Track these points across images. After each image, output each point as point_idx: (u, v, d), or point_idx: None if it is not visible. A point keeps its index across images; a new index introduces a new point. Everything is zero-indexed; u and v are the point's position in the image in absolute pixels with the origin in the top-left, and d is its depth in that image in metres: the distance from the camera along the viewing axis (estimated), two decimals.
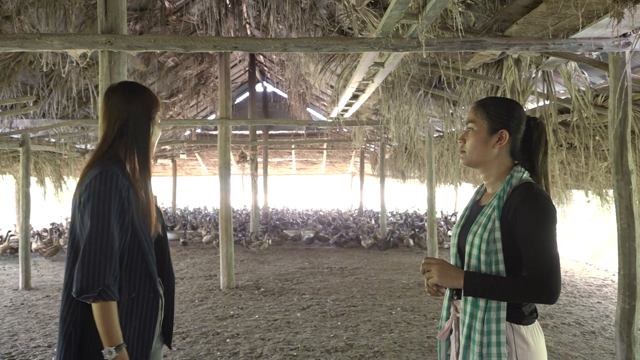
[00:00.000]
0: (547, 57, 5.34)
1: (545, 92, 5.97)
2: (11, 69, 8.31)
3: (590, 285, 10.87)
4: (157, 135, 2.60)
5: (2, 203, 28.16)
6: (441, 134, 12.59)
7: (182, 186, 28.38)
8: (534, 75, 5.74)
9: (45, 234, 16.40)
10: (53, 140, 12.24)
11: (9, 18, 6.52)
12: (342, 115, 10.64)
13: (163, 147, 19.69)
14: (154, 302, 2.42)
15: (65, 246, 14.46)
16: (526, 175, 2.40)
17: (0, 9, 6.39)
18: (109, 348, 2.24)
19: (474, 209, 2.58)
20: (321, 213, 25.46)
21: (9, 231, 15.92)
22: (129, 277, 2.36)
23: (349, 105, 9.57)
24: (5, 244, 14.82)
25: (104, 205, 2.26)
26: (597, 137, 6.72)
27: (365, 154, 23.53)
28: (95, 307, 2.24)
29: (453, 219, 20.03)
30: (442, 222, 19.13)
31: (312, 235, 17.30)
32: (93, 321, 2.29)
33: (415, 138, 11.18)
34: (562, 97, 6.78)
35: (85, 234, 2.25)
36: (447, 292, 2.58)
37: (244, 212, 25.83)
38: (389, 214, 23.04)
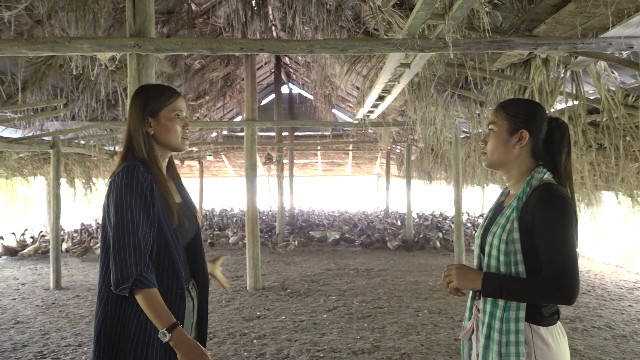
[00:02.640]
0: (576, 57, 5.27)
1: (574, 92, 5.90)
2: (42, 72, 8.46)
3: (621, 288, 10.70)
4: (171, 130, 2.58)
5: (33, 204, 28.65)
6: (468, 134, 12.50)
7: (209, 187, 28.51)
8: (562, 76, 5.68)
9: (75, 234, 16.63)
10: (82, 142, 12.40)
11: (40, 22, 6.64)
12: (368, 116, 10.62)
13: (190, 149, 19.85)
14: (182, 297, 2.44)
15: (95, 247, 14.65)
16: (547, 175, 2.38)
17: (32, 13, 6.50)
18: (162, 330, 2.29)
19: (497, 210, 2.58)
20: (347, 214, 25.44)
21: (40, 232, 16.21)
22: (156, 271, 2.40)
23: (375, 106, 9.55)
24: (37, 244, 15.07)
25: (126, 197, 2.32)
26: (627, 138, 6.62)
27: (391, 155, 23.45)
28: (138, 298, 2.31)
29: (480, 220, 19.88)
30: (468, 224, 19.00)
31: (338, 236, 17.28)
32: (125, 316, 2.34)
33: (442, 139, 11.11)
34: (592, 97, 6.69)
35: (112, 228, 2.32)
36: (470, 293, 2.59)
37: (270, 213, 25.92)
38: (415, 216, 22.94)
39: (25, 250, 14.79)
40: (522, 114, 2.45)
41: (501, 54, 5.82)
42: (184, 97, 2.68)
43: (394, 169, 24.58)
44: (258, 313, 8.48)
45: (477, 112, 8.26)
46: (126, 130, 2.60)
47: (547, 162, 2.47)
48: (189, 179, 27.62)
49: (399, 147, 21.21)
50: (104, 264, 2.40)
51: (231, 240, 16.57)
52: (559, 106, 7.45)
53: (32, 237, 16.76)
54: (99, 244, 14.31)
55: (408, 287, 10.31)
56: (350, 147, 25.13)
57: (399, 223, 20.55)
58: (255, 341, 7.00)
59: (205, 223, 20.86)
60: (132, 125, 2.57)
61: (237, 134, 22.96)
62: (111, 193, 2.37)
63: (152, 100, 2.57)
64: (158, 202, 2.41)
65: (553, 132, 2.46)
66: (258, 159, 20.47)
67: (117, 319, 2.36)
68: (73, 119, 10.35)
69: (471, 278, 2.36)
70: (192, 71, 12.50)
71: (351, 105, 17.25)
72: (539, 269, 2.25)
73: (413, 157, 18.50)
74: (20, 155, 13.41)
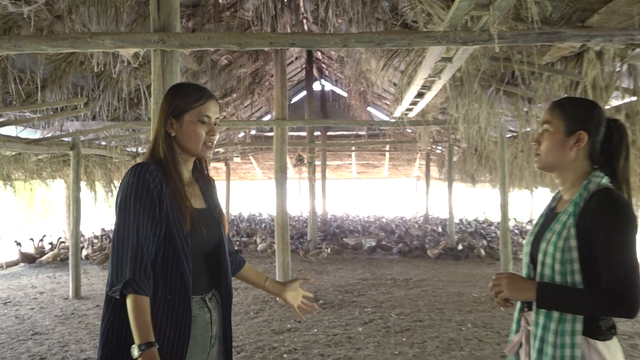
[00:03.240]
0: (633, 49, 5.20)
1: (632, 87, 5.80)
2: (62, 70, 8.61)
3: None
4: (193, 135, 2.59)
5: (52, 208, 29.17)
6: (515, 134, 12.37)
7: (236, 191, 28.70)
8: (618, 69, 5.60)
9: (95, 240, 16.84)
10: (104, 143, 12.58)
11: (60, 18, 6.77)
12: (406, 114, 10.59)
13: (216, 150, 20.01)
14: (187, 307, 2.44)
15: None
16: (605, 180, 2.35)
17: (52, 8, 6.63)
18: (136, 344, 2.27)
19: (549, 216, 2.56)
20: (384, 220, 25.36)
21: (59, 238, 16.42)
22: (164, 278, 2.42)
23: (414, 103, 9.52)
24: (56, 251, 15.30)
25: (130, 196, 2.38)
26: None
27: (431, 156, 23.33)
28: (127, 302, 2.33)
29: (528, 227, 19.65)
30: (516, 231, 18.80)
31: (374, 243, 17.25)
32: (129, 323, 2.37)
33: (486, 139, 11.03)
34: None
35: (114, 227, 2.40)
36: (518, 304, 2.57)
37: (301, 218, 25.97)
38: (458, 222, 22.77)
39: (44, 257, 15.04)
40: (580, 114, 2.42)
41: (551, 46, 5.76)
42: (216, 100, 2.69)
43: (434, 171, 24.44)
44: (288, 326, 8.50)
45: (525, 109, 8.19)
46: (154, 129, 2.68)
47: (603, 165, 2.44)
48: (215, 181, 27.85)
49: (439, 148, 21.09)
50: None
51: (259, 247, 16.64)
52: (614, 102, 7.34)
53: (51, 244, 17.02)
54: None
55: (450, 299, 10.24)
56: (387, 148, 25.07)
57: (440, 229, 20.42)
58: (285, 356, 7.02)
59: (232, 229, 21.00)
60: (157, 124, 2.63)
61: (266, 134, 23.08)
62: (118, 191, 2.45)
63: (178, 100, 2.60)
64: (168, 205, 2.44)
65: (612, 134, 2.43)
66: (288, 160, 20.54)
67: (123, 323, 2.39)
68: (94, 118, 10.51)
69: (524, 288, 2.34)
70: (219, 67, 12.60)
71: (388, 102, 17.21)
72: (597, 279, 2.22)
73: (455, 158, 18.38)
74: (39, 157, 13.64)
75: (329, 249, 15.59)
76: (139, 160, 2.70)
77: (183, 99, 2.60)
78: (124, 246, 2.34)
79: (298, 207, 30.29)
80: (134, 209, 2.36)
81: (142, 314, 2.31)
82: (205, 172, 2.84)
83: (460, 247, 15.88)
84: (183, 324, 2.42)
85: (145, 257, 2.35)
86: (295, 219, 25.64)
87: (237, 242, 17.62)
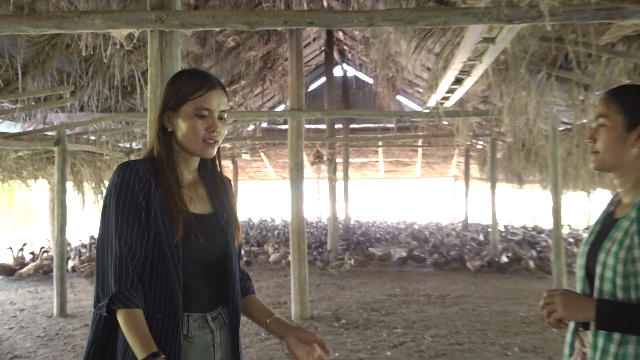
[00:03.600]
0: None
1: None
2: (45, 54, 8.67)
3: None
4: (191, 130, 2.56)
5: (34, 213, 29.39)
6: (569, 126, 12.30)
7: (245, 193, 28.78)
8: None
9: (83, 250, 16.89)
10: (93, 137, 12.62)
11: None
12: (441, 104, 10.57)
13: (221, 146, 20.06)
14: (176, 326, 2.44)
15: None
16: None
17: None
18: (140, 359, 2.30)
19: (607, 222, 2.52)
20: (416, 227, 25.32)
21: (42, 247, 16.45)
22: (153, 293, 2.43)
23: (451, 91, 9.50)
24: (38, 262, 15.32)
25: (113, 200, 2.40)
26: None
27: (471, 153, 23.25)
28: (118, 319, 2.35)
29: (585, 235, 19.53)
30: (570, 240, 18.68)
31: (404, 254, 17.21)
32: (115, 340, 2.42)
33: (536, 132, 10.96)
34: None
35: (98, 235, 2.43)
36: (571, 325, 2.54)
37: (319, 224, 25.98)
38: (502, 229, 22.66)
39: (24, 269, 15.10)
40: None
41: (611, 24, 5.72)
42: (223, 89, 2.66)
43: (474, 169, 24.34)
44: None
45: (581, 97, 8.14)
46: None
47: None
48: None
49: (480, 143, 21.02)
50: None
51: (272, 258, 16.67)
52: None
53: (33, 253, 17.12)
54: None
55: (493, 319, 10.20)
56: (420, 143, 25.01)
57: (481, 238, 20.35)
58: None
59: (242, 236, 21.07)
60: (155, 116, 2.66)
61: (279, 126, 23.12)
62: (105, 195, 2.48)
63: (177, 90, 2.60)
64: (158, 209, 2.45)
65: None
66: (305, 157, 20.57)
67: (108, 343, 2.43)
68: (82, 109, 10.57)
69: (581, 306, 2.31)
70: (225, 50, 12.66)
71: (420, 90, 17.17)
72: None
73: (499, 155, 18.30)
74: (19, 153, 13.69)
75: (352, 260, 15.58)
76: (132, 157, 2.70)
77: (182, 89, 2.58)
78: (106, 256, 2.36)
79: (316, 211, 30.32)
80: (116, 215, 2.37)
81: (138, 327, 2.32)
82: (216, 171, 2.81)
83: (505, 258, 15.81)
84: (173, 346, 2.41)
85: (132, 268, 2.36)
86: (313, 225, 25.67)
87: (247, 252, 17.63)
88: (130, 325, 2.31)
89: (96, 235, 14.47)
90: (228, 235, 2.68)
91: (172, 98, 2.58)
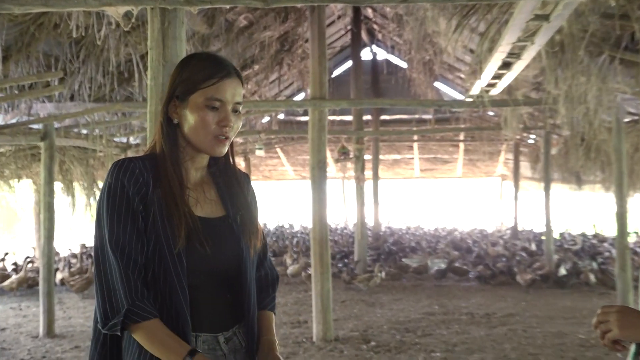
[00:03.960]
0: None
1: None
2: (30, 35, 8.72)
3: None
4: (200, 123, 2.54)
5: (17, 218, 29.60)
6: (635, 117, 12.22)
7: (259, 195, 28.88)
8: None
9: (74, 260, 16.96)
10: (85, 131, 12.67)
11: None
12: (486, 92, 10.54)
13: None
14: None
15: None
16: None
17: None
18: None
19: None
20: (457, 234, 25.25)
21: (27, 257, 16.48)
22: (157, 310, 2.42)
23: (498, 77, 9.47)
24: (22, 274, 15.33)
25: (107, 203, 2.40)
26: None
27: (521, 149, 23.15)
28: (136, 336, 2.36)
29: None
30: (638, 249, 18.54)
31: (443, 266, 17.18)
32: None
33: (597, 124, 10.90)
34: None
35: (95, 245, 2.42)
36: (632, 348, 2.53)
37: (345, 231, 25.97)
38: (558, 237, 22.55)
39: (6, 283, 15.17)
40: None
41: None
42: (239, 78, 2.66)
43: (525, 168, 24.25)
44: None
45: None
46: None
47: None
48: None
49: (532, 137, 20.92)
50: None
51: (290, 270, 16.68)
52: None
53: (15, 264, 17.20)
54: None
55: (548, 341, 10.16)
56: (462, 137, 24.96)
57: (533, 247, 20.25)
58: None
59: None
60: (163, 107, 2.62)
61: (298, 118, 23.14)
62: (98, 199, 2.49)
63: (186, 76, 2.57)
64: (157, 214, 2.44)
65: None
66: (328, 154, 20.58)
67: None
68: (72, 99, 10.63)
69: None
70: (236, 30, 12.69)
71: (462, 76, 17.14)
72: None
73: (554, 151, 18.21)
74: (0, 150, 13.79)
75: (383, 273, 15.57)
76: (130, 154, 2.71)
77: (191, 75, 2.55)
78: (108, 269, 2.36)
79: (341, 216, 30.32)
80: (110, 221, 2.38)
81: (163, 334, 2.36)
82: (230, 166, 2.79)
83: (563, 270, 15.71)
84: None
85: (138, 278, 2.37)
86: (338, 232, 25.67)
87: None
88: (154, 336, 2.35)
89: (92, 244, 14.55)
90: (242, 241, 2.65)
91: (180, 85, 2.55)
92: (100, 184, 16.23)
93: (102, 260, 2.36)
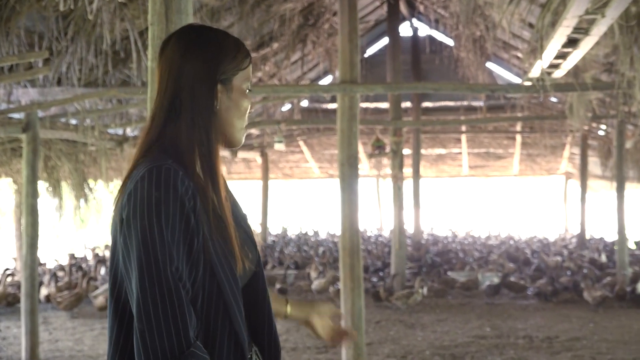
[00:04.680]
0: None
1: None
2: (10, 9, 8.78)
3: None
4: (239, 111, 2.56)
5: None
6: None
7: (278, 196, 28.96)
8: None
9: (61, 273, 17.06)
10: (74, 121, 12.73)
11: None
12: (548, 74, 10.50)
13: (248, 133, 20.18)
14: None
15: (94, 293, 14.95)
16: None
17: None
18: None
19: None
20: (512, 243, 25.19)
21: (6, 269, 16.57)
22: (204, 338, 2.38)
23: (562, 56, 9.44)
24: (0, 289, 15.48)
25: (159, 223, 2.24)
26: None
27: (589, 142, 23.05)
28: None
29: None
30: None
31: (497, 280, 17.14)
32: None
33: None
34: None
35: (134, 277, 2.25)
36: None
37: (380, 239, 25.99)
38: (634, 247, 22.44)
39: None
40: None
41: None
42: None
43: (594, 164, 24.16)
44: None
45: None
46: (164, 97, 2.52)
47: None
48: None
49: (603, 128, 20.83)
50: (116, 330, 2.40)
51: (315, 284, 16.71)
52: None
53: None
54: (99, 290, 14.74)
55: None
56: (519, 128, 24.89)
57: (603, 259, 20.16)
58: None
59: (272, 257, 21.12)
60: (186, 89, 2.50)
61: (324, 106, 23.17)
62: (132, 215, 2.29)
63: (226, 55, 2.55)
64: (206, 231, 2.36)
65: None
66: (361, 148, 20.61)
67: None
68: (59, 83, 10.69)
69: None
70: (251, 2, 12.72)
71: (519, 55, 17.09)
72: None
73: (628, 145, 18.11)
74: None
75: (424, 289, 15.56)
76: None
77: (232, 54, 2.55)
78: (160, 305, 2.22)
79: (376, 222, 30.34)
80: (169, 243, 2.25)
81: None
82: None
83: (633, 287, 15.64)
84: None
85: (190, 310, 2.29)
86: (372, 240, 25.69)
87: (281, 277, 17.71)
88: None
89: (78, 254, 14.61)
90: (257, 248, 2.68)
91: (224, 65, 2.52)
92: (92, 184, 16.31)
93: (152, 292, 2.20)
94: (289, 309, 3.00)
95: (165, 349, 2.20)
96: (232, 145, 2.60)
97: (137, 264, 2.23)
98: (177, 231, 2.25)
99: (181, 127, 2.45)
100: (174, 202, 2.25)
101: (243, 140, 2.63)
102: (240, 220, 2.67)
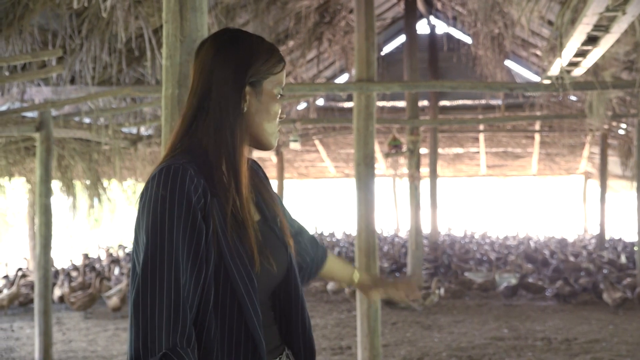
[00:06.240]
0: None
1: None
2: (24, 6, 8.80)
3: None
4: (269, 114, 2.60)
5: (8, 223, 29.94)
6: None
7: (293, 195, 28.94)
8: None
9: (75, 273, 17.08)
10: (87, 120, 12.76)
11: None
12: (568, 72, 10.48)
13: None
14: None
15: (107, 294, 14.96)
16: None
17: None
18: None
19: None
20: (531, 243, 25.13)
21: (19, 269, 16.61)
22: (222, 341, 2.41)
23: (581, 54, 9.42)
24: (14, 289, 15.42)
25: (162, 219, 2.30)
26: None
27: (609, 141, 22.98)
28: None
29: None
30: None
31: (514, 281, 17.11)
32: None
33: None
34: None
35: (139, 268, 2.31)
36: None
37: (397, 240, 25.96)
38: None
39: None
40: None
41: None
42: None
43: (614, 164, 24.07)
44: None
45: None
46: (194, 96, 2.58)
47: None
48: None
49: (623, 127, 20.76)
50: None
51: (331, 286, 16.70)
52: None
53: (7, 278, 17.37)
54: (113, 290, 14.76)
55: None
56: (538, 127, 24.82)
57: (623, 259, 20.08)
58: None
59: None
60: (215, 89, 2.55)
61: (341, 104, 23.16)
62: (142, 211, 2.36)
63: (258, 58, 2.60)
64: (218, 229, 2.40)
65: None
66: (377, 147, 20.59)
67: None
68: (72, 82, 10.72)
69: None
70: (266, 0, 12.73)
71: (538, 53, 17.06)
72: None
73: None
74: None
75: (441, 290, 15.55)
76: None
77: (263, 57, 2.60)
78: (155, 298, 2.27)
79: (392, 222, 30.30)
80: (169, 241, 2.29)
81: None
82: (250, 162, 2.76)
83: None
84: None
85: (189, 317, 2.31)
86: (388, 240, 25.67)
87: None
88: None
89: (92, 254, 14.68)
90: (289, 248, 2.70)
91: (255, 68, 2.57)
92: (107, 184, 16.35)
93: (152, 287, 2.26)
94: (356, 277, 3.27)
95: (149, 338, 2.26)
96: (263, 148, 2.67)
97: (142, 258, 2.30)
98: (182, 229, 2.31)
99: (208, 126, 2.51)
100: (179, 200, 2.31)
101: (275, 144, 2.68)
102: (270, 221, 2.69)
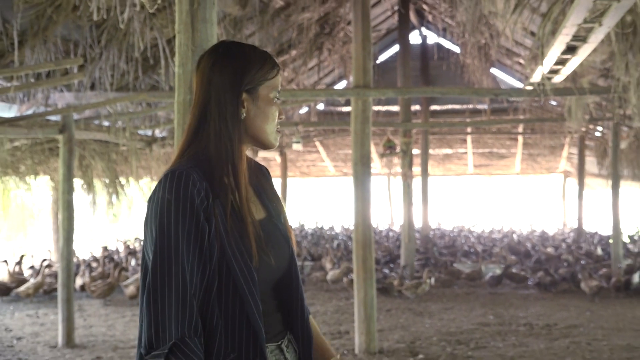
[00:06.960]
0: None
1: None
2: (48, 18, 8.78)
3: None
4: (267, 117, 2.63)
5: (34, 217, 29.91)
6: None
7: (295, 193, 28.92)
8: None
9: (95, 264, 17.06)
10: (106, 123, 12.74)
11: None
12: (549, 79, 10.46)
13: None
14: None
15: (125, 283, 14.98)
16: None
17: None
18: None
19: None
20: (514, 237, 25.11)
21: (44, 260, 16.58)
22: (224, 328, 2.44)
23: (561, 62, 9.40)
24: (39, 278, 15.46)
25: (168, 221, 2.35)
26: None
27: (586, 142, 22.97)
28: None
29: None
30: None
31: (499, 271, 17.09)
32: None
33: None
34: None
35: (149, 264, 2.36)
36: None
37: (391, 233, 25.94)
38: (628, 240, 22.33)
39: (22, 288, 15.30)
40: None
41: None
42: None
43: (591, 164, 24.07)
44: None
45: None
46: (196, 107, 2.63)
47: None
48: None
49: (599, 129, 20.74)
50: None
51: (330, 275, 16.68)
52: None
53: (32, 268, 17.35)
54: (130, 279, 14.77)
55: (615, 356, 10.07)
56: (521, 129, 24.81)
57: (599, 251, 20.08)
58: None
59: None
60: (214, 99, 2.59)
61: (339, 109, 23.14)
62: (149, 213, 2.42)
63: (252, 66, 2.62)
64: (220, 226, 2.43)
65: None
66: (373, 148, 20.55)
67: None
68: (92, 88, 10.71)
69: None
70: (272, 12, 12.71)
71: (522, 61, 17.03)
72: None
73: (623, 145, 18.01)
74: (15, 143, 13.89)
75: (432, 280, 15.53)
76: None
77: (258, 65, 2.63)
78: (165, 292, 2.32)
79: (386, 217, 30.27)
80: (175, 240, 2.34)
81: None
82: (253, 161, 2.82)
83: (637, 277, 15.54)
84: None
85: (196, 308, 2.36)
86: (383, 234, 25.64)
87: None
88: None
89: (111, 246, 14.66)
90: (290, 243, 2.74)
91: (250, 76, 2.60)
92: (124, 181, 16.34)
93: (162, 281, 2.32)
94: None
95: (160, 329, 2.30)
96: (266, 148, 2.72)
97: (152, 256, 2.35)
98: (187, 230, 2.36)
99: (210, 133, 2.55)
100: (183, 203, 2.36)
101: (277, 143, 2.71)
102: (274, 218, 2.73)
